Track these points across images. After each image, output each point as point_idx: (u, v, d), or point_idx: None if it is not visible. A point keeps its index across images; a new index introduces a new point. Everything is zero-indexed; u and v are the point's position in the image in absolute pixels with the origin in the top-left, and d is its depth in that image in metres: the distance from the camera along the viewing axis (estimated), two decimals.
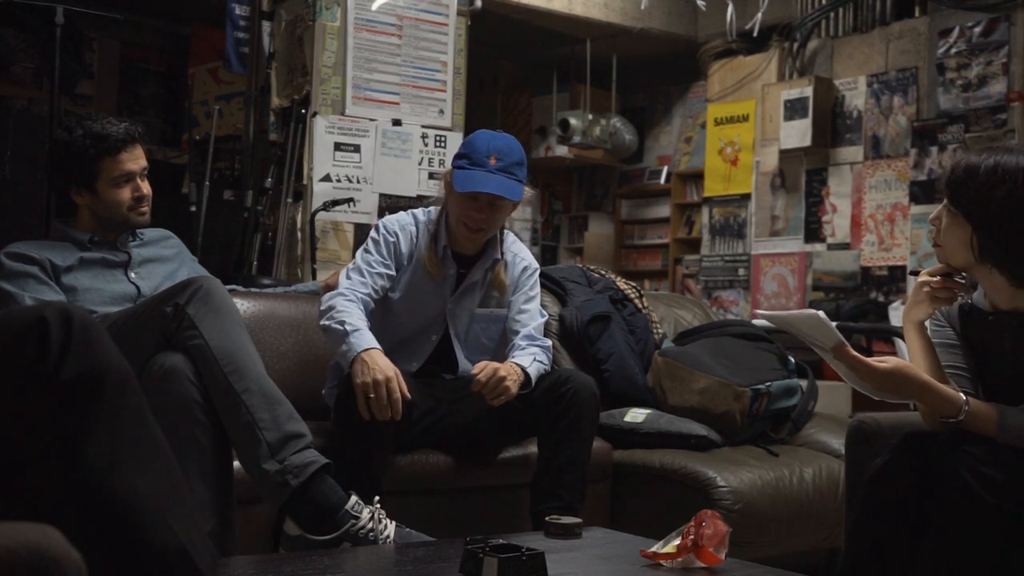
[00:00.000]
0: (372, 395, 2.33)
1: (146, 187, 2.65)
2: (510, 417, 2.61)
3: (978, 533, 1.79)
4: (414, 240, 2.74)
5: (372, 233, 2.76)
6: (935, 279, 2.02)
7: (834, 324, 1.98)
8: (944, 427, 1.92)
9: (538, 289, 2.89)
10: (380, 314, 2.70)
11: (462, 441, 2.68)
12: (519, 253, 2.86)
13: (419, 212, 2.80)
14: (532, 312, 2.82)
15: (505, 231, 2.82)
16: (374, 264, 2.68)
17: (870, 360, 1.91)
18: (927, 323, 2.05)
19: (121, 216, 2.62)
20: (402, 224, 2.75)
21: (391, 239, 2.71)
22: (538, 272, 2.90)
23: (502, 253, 2.79)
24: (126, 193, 2.61)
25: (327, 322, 2.54)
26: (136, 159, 2.62)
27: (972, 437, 1.86)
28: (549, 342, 2.80)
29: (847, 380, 2.00)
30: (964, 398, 1.90)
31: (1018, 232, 1.89)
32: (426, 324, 2.74)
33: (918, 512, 1.86)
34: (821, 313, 1.92)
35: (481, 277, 2.76)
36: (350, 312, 2.53)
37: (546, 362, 2.71)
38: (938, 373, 1.97)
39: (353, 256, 2.89)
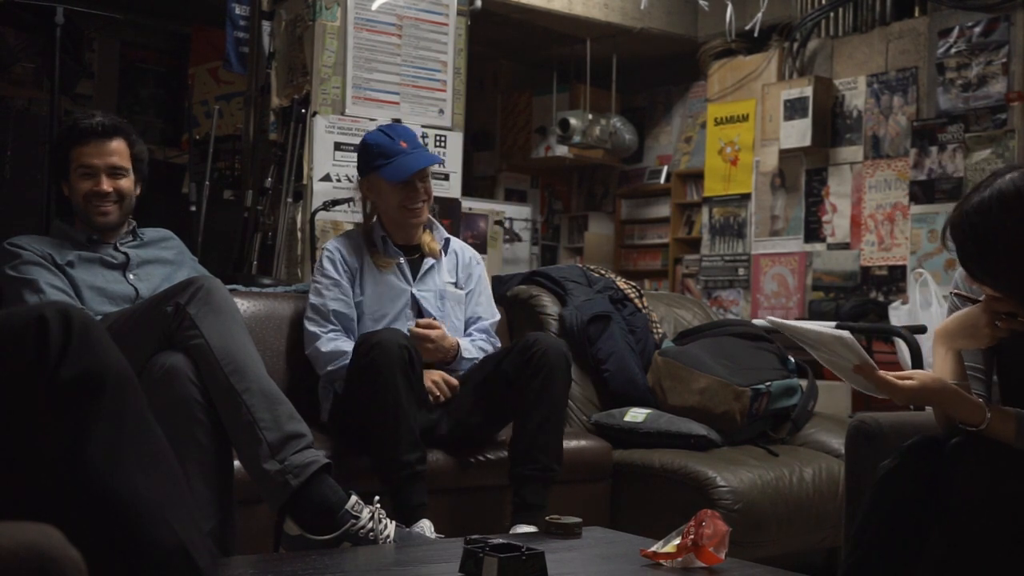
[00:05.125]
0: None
1: (107, 185, 2.58)
2: (496, 401, 2.67)
3: (992, 540, 1.77)
4: (358, 241, 2.89)
5: (318, 263, 2.89)
6: (997, 322, 1.87)
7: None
8: (955, 430, 1.89)
9: (487, 281, 3.07)
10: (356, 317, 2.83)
11: (457, 433, 2.69)
12: (463, 246, 3.05)
13: (361, 222, 3.00)
14: (485, 306, 3.00)
15: (440, 227, 3.00)
16: (327, 297, 2.79)
17: (895, 379, 1.84)
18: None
19: (82, 210, 2.60)
20: (344, 239, 2.92)
21: (335, 256, 2.84)
22: (482, 264, 3.08)
23: (446, 238, 2.98)
24: (86, 186, 2.58)
25: (341, 363, 2.66)
26: (103, 154, 2.58)
27: (986, 443, 1.83)
28: (499, 343, 2.96)
29: (845, 378, 1.96)
30: (985, 406, 1.85)
31: None
32: (399, 312, 2.83)
33: (924, 517, 1.84)
34: (847, 334, 1.85)
35: (435, 262, 2.92)
36: (348, 342, 2.71)
37: (488, 352, 2.87)
38: (966, 386, 1.92)
39: None
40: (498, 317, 3.03)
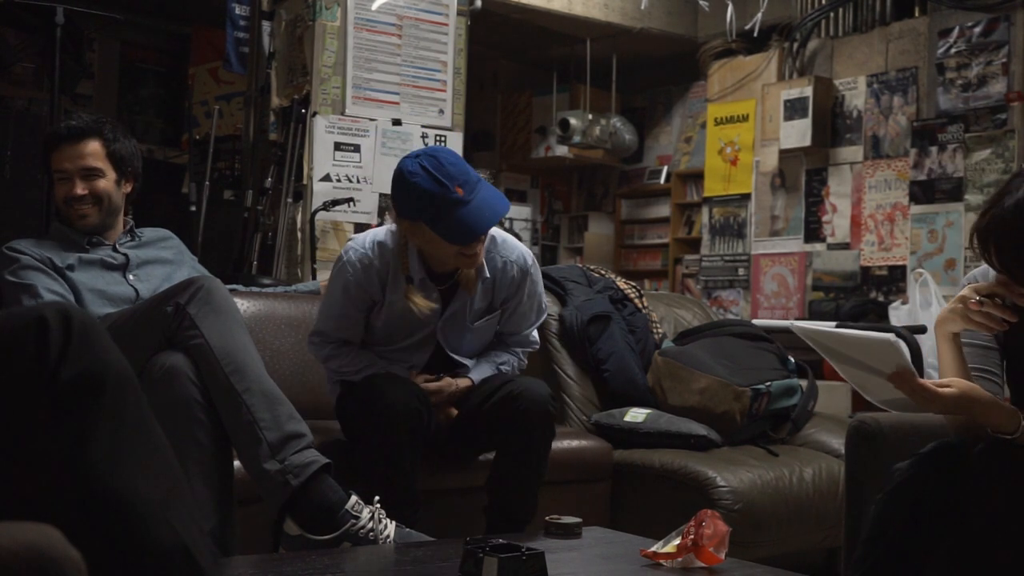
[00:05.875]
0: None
1: (81, 188, 2.57)
2: (482, 436, 2.61)
3: (1013, 550, 1.76)
4: (386, 271, 2.51)
5: (335, 274, 2.55)
6: (973, 299, 1.88)
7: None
8: (971, 436, 1.87)
9: (537, 286, 2.68)
10: (365, 338, 2.64)
11: (454, 438, 2.67)
12: (508, 256, 2.60)
13: (386, 238, 2.54)
14: (526, 314, 2.68)
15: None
16: (331, 327, 2.57)
17: (933, 386, 1.82)
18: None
19: (64, 215, 2.61)
20: (365, 263, 2.50)
21: (351, 283, 2.50)
22: (535, 267, 2.67)
23: (486, 266, 2.56)
24: (63, 191, 2.58)
25: (345, 376, 2.59)
26: (74, 157, 2.56)
27: (1014, 451, 1.81)
28: (537, 343, 2.79)
29: (858, 386, 1.93)
30: (1021, 414, 1.83)
31: None
32: (415, 343, 2.62)
33: (938, 524, 1.82)
34: (892, 337, 1.80)
35: (468, 299, 2.57)
36: (363, 356, 2.59)
37: (514, 368, 2.70)
38: (970, 379, 1.91)
39: None
40: (543, 317, 2.75)
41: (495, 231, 2.58)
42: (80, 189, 2.56)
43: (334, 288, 2.55)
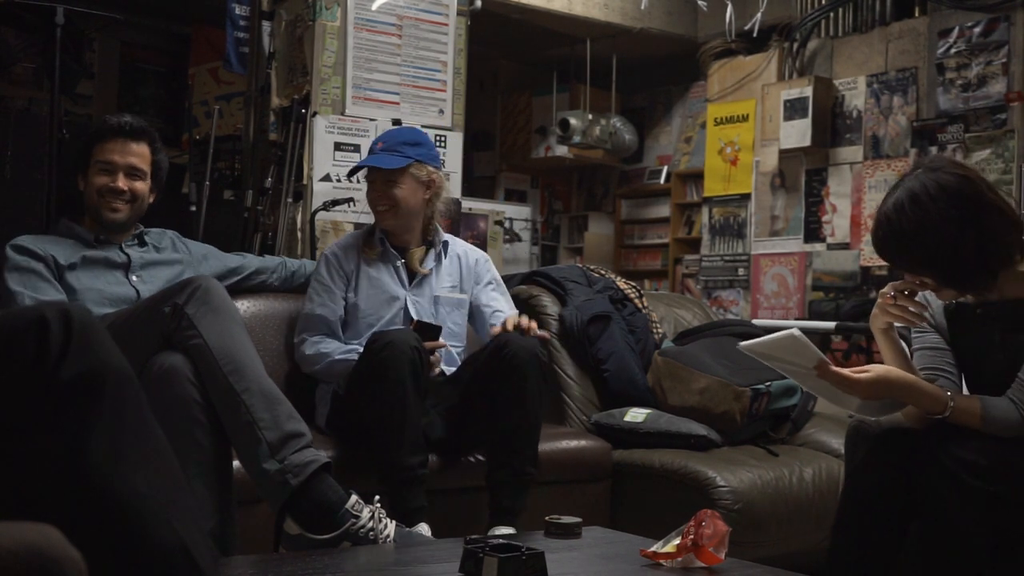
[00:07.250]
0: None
1: (123, 184, 2.62)
2: (480, 401, 2.65)
3: (965, 518, 1.81)
4: (358, 240, 2.94)
5: (317, 265, 2.94)
6: (888, 295, 2.03)
7: (817, 334, 1.98)
8: (926, 423, 1.94)
9: (500, 282, 3.03)
10: (347, 319, 2.83)
11: (452, 433, 2.68)
12: (468, 249, 3.05)
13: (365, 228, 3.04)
14: (496, 295, 2.97)
15: (443, 234, 2.98)
16: (315, 303, 2.83)
17: (852, 373, 1.93)
18: (911, 329, 2.09)
19: (94, 204, 2.64)
20: (344, 243, 2.96)
21: (331, 261, 2.89)
22: (492, 265, 3.06)
23: (444, 241, 2.98)
24: (102, 181, 2.62)
25: (326, 361, 2.72)
26: (125, 153, 2.62)
27: (954, 428, 1.89)
28: None
29: (831, 401, 2.01)
30: (948, 394, 1.92)
31: (946, 254, 1.91)
32: (392, 316, 2.82)
33: (902, 504, 1.88)
34: (796, 331, 1.91)
35: (434, 265, 2.92)
36: (330, 343, 2.77)
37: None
38: (911, 372, 2.00)
39: None
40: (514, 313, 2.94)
41: (454, 238, 3.07)
42: (123, 184, 2.62)
43: (319, 270, 2.90)
